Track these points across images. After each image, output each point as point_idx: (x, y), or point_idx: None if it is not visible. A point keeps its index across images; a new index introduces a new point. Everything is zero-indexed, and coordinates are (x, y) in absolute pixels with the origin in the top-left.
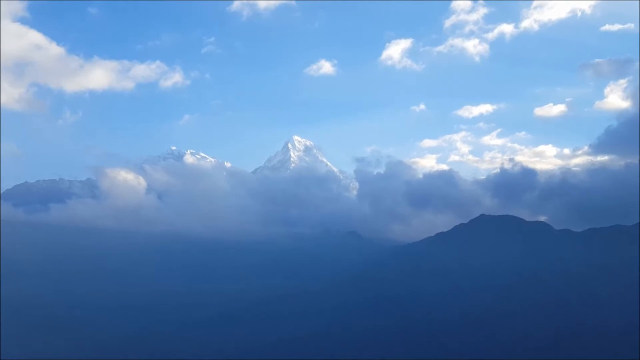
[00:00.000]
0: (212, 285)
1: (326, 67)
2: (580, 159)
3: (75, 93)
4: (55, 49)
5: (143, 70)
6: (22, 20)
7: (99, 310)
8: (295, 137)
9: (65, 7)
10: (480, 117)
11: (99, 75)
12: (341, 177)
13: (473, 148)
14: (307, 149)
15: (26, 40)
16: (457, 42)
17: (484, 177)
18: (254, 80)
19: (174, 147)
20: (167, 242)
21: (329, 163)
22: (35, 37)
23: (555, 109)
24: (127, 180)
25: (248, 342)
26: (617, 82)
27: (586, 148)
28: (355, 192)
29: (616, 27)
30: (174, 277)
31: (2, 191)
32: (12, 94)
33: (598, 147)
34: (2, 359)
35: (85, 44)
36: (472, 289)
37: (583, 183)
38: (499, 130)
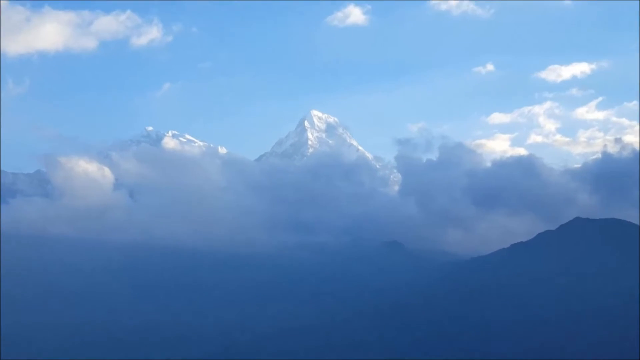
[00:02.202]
0: (203, 313)
1: (355, 14)
2: None
3: (20, 56)
4: None
5: (109, 24)
6: None
7: (52, 345)
8: (314, 112)
9: None
10: (573, 81)
11: (51, 32)
12: (377, 165)
13: (562, 125)
14: (329, 128)
15: None
16: None
17: (578, 165)
18: (257, 34)
19: (150, 128)
20: (143, 255)
21: (360, 147)
22: None
23: None
24: (88, 172)
25: None
26: None
27: None
28: (396, 187)
29: None
30: (152, 302)
31: None
32: None
33: None
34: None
35: None
36: (564, 318)
37: None
38: (599, 99)
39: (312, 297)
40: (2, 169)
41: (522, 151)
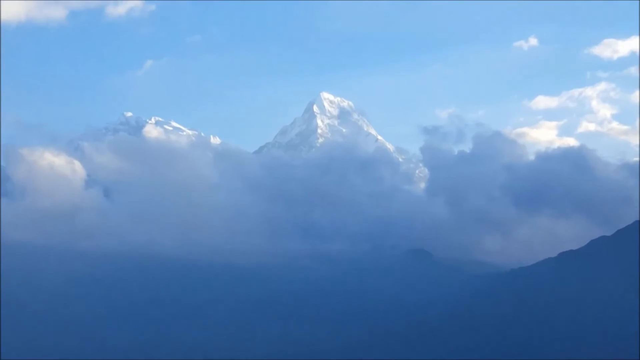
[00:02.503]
0: (192, 335)
1: None
2: None
3: None
4: None
5: None
6: None
7: None
8: (325, 95)
9: None
10: (632, 58)
11: (12, 1)
12: (400, 159)
13: (620, 110)
14: (343, 114)
15: None
16: None
17: (638, 158)
18: (255, 3)
19: (129, 114)
20: (119, 266)
21: (379, 136)
22: None
23: None
24: (54, 166)
25: None
26: None
27: None
28: (422, 185)
29: None
30: (131, 322)
31: None
32: None
33: None
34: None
35: None
36: (623, 339)
37: None
38: None
39: (323, 317)
40: None
41: (571, 141)
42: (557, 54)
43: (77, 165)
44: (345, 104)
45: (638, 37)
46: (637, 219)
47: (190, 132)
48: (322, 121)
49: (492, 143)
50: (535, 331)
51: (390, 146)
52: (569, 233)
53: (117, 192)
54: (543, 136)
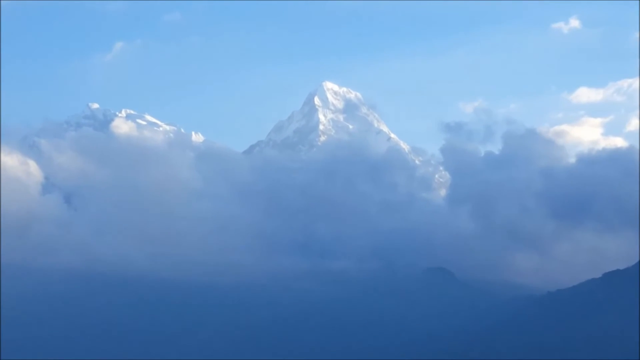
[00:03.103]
0: None
1: None
2: None
3: None
4: None
5: None
6: None
7: None
8: (328, 85)
9: None
10: None
11: None
12: (416, 161)
13: None
14: (349, 107)
15: None
16: None
17: None
18: None
19: (95, 105)
20: (84, 286)
21: (392, 134)
22: None
23: None
24: (5, 168)
25: None
26: None
27: None
28: (443, 192)
29: None
30: (99, 351)
31: None
32: None
33: None
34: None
35: None
36: None
37: None
38: None
39: (325, 347)
40: None
41: (619, 142)
42: (602, 37)
43: (33, 166)
44: (352, 95)
45: None
46: None
47: (167, 127)
48: (324, 116)
49: (525, 143)
50: None
51: (405, 146)
52: (616, 250)
53: (81, 198)
54: (586, 135)
